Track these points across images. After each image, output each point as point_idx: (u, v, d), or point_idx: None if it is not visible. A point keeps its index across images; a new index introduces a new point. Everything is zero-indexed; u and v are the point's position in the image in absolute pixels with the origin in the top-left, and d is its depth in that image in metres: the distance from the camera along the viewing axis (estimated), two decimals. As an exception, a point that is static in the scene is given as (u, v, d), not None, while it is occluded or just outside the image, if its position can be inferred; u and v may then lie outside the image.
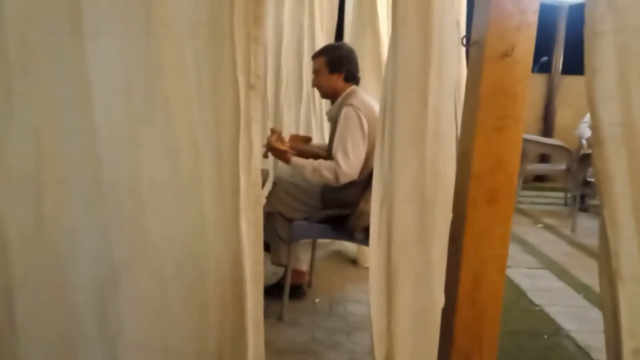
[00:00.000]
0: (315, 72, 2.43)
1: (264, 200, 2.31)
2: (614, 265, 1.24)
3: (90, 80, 1.19)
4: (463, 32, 1.68)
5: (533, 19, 1.32)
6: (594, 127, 1.23)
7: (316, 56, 2.45)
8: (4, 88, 1.20)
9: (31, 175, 1.23)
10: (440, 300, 1.43)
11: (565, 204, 5.21)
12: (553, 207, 5.24)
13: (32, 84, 1.20)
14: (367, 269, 2.55)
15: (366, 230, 1.97)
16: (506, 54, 1.32)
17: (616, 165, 1.22)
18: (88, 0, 1.16)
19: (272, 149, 2.28)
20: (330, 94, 2.45)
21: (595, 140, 1.23)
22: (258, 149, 1.26)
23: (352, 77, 2.41)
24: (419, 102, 1.37)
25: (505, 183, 1.40)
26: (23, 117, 1.21)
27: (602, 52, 1.18)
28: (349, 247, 3.22)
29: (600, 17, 1.17)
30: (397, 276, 1.45)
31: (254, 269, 1.28)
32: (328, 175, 2.20)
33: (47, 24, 1.18)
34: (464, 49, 1.52)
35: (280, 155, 2.28)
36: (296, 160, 2.27)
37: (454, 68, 1.48)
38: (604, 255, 1.27)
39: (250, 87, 1.20)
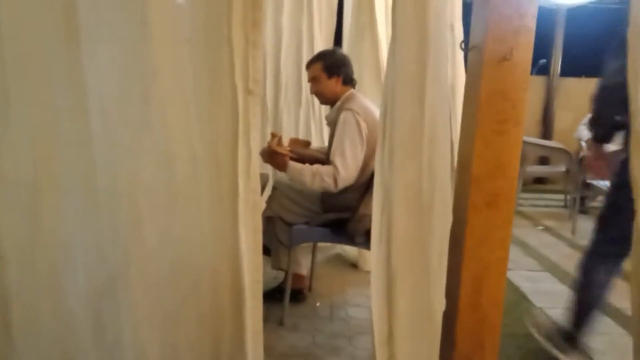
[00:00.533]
0: (312, 79, 2.42)
1: (263, 205, 2.30)
2: None
3: (87, 85, 1.18)
4: (459, 36, 1.68)
5: (531, 23, 1.33)
6: (635, 132, 1.21)
7: (311, 63, 2.44)
8: (0, 94, 1.18)
9: (27, 182, 1.21)
10: (441, 304, 1.43)
11: (565, 206, 5.20)
12: (553, 209, 5.23)
13: (28, 89, 1.19)
14: (367, 272, 2.55)
15: (367, 233, 1.96)
16: (505, 58, 1.33)
17: None
18: (84, 5, 1.15)
19: (271, 153, 2.26)
20: (330, 99, 2.44)
21: (635, 145, 1.22)
22: (257, 155, 1.25)
23: (350, 80, 2.42)
24: (416, 107, 1.37)
25: (506, 187, 1.40)
26: (19, 123, 1.20)
27: None
28: (350, 250, 3.21)
29: None
30: (398, 280, 1.44)
31: (253, 277, 1.27)
32: (327, 181, 2.19)
33: (43, 29, 1.16)
34: (459, 53, 1.52)
35: (278, 160, 2.25)
36: (294, 165, 2.23)
37: (448, 72, 1.48)
38: (635, 258, 1.26)
39: (248, 92, 1.19)
